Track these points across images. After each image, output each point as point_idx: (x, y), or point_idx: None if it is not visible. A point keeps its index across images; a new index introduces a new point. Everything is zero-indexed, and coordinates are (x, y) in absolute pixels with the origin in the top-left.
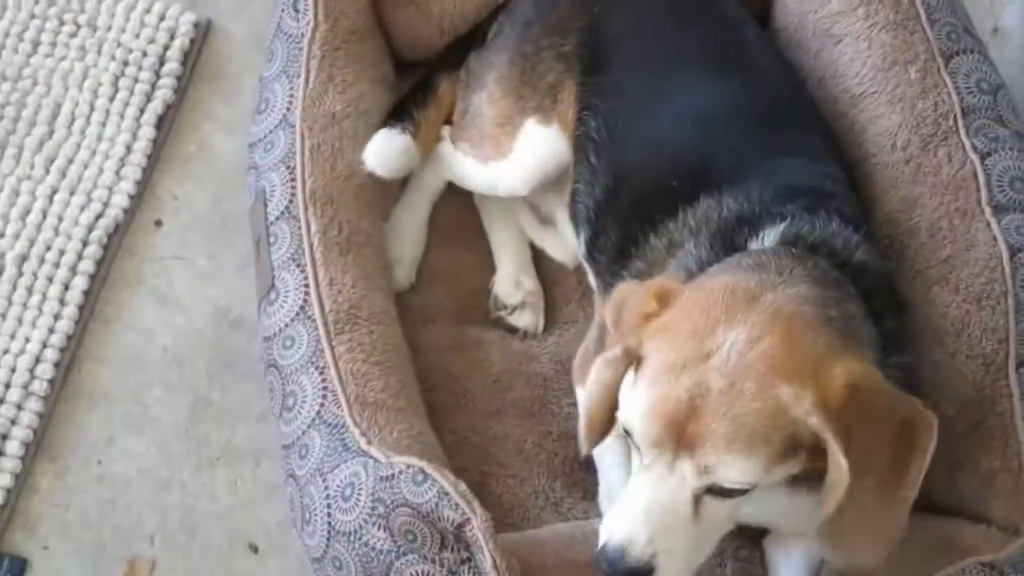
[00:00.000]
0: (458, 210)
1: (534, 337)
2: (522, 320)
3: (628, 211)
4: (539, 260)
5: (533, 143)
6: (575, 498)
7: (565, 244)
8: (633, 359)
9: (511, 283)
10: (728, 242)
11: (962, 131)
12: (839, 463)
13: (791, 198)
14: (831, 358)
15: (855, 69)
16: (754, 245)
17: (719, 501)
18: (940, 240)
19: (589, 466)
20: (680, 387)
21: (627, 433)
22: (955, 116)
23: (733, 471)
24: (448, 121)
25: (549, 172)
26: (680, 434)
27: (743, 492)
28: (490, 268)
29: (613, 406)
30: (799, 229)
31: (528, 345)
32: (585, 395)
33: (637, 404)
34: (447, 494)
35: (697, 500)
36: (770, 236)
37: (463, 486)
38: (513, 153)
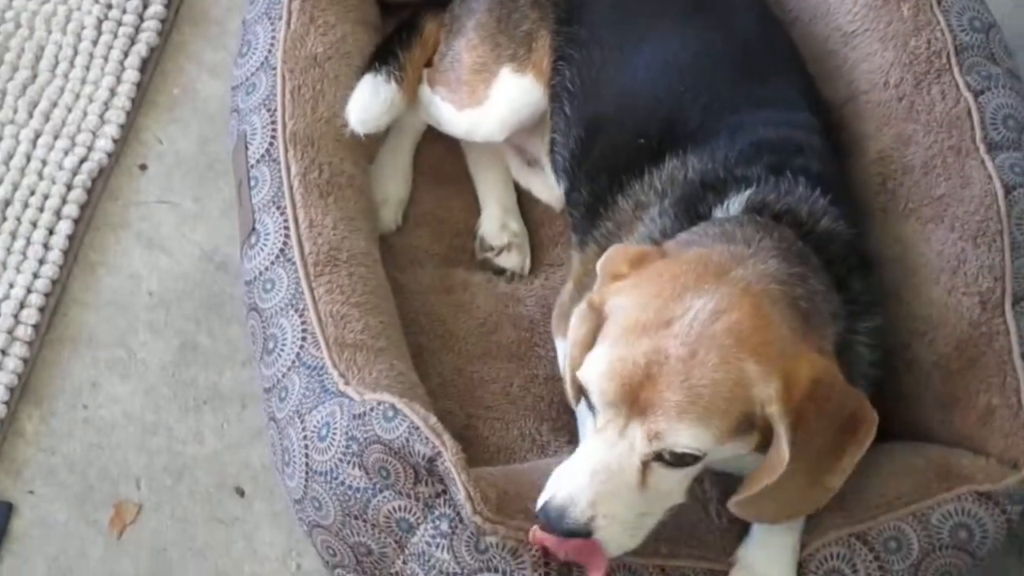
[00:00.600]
0: (444, 152)
1: (520, 279)
2: (509, 261)
3: (598, 166)
4: (525, 202)
5: (508, 92)
6: (561, 441)
7: (551, 185)
8: (597, 314)
9: (497, 224)
10: (692, 210)
11: (955, 69)
12: (782, 453)
13: (757, 157)
14: (797, 347)
15: (847, 7)
16: (719, 213)
17: (667, 471)
18: (934, 178)
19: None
20: (638, 350)
21: (584, 394)
22: (948, 54)
23: (683, 438)
24: (430, 63)
25: (524, 120)
26: (634, 398)
27: (691, 463)
28: (477, 210)
29: None
30: (764, 196)
31: (514, 287)
32: (567, 353)
33: (595, 363)
34: (417, 428)
35: (645, 468)
36: (735, 204)
37: (433, 419)
38: (488, 101)
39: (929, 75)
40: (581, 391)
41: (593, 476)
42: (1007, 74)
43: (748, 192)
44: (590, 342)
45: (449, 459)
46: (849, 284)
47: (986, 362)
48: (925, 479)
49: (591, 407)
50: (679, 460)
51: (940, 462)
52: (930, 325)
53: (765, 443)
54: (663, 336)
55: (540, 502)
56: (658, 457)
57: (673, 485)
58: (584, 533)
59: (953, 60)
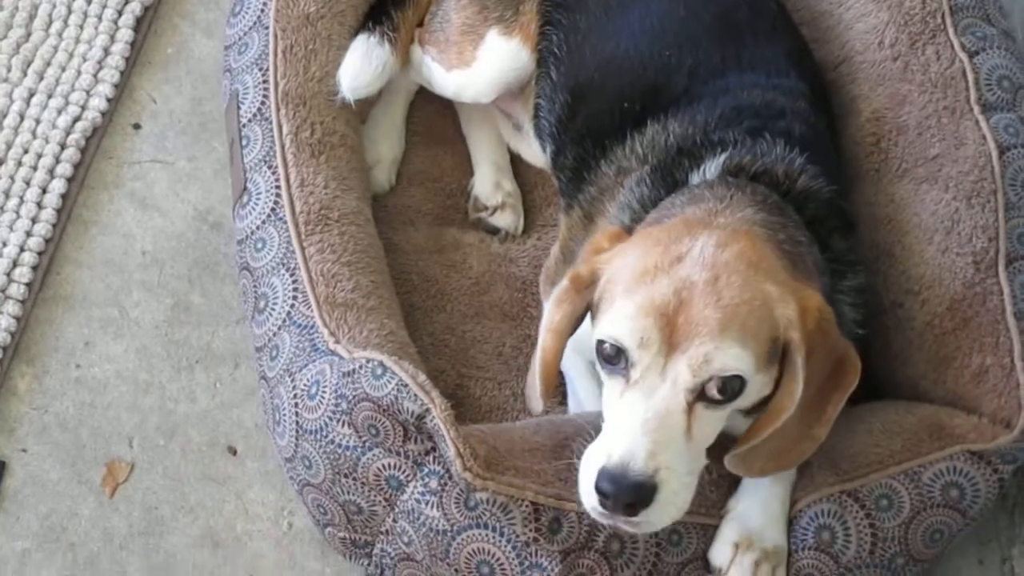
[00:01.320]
0: (437, 112)
1: (513, 239)
2: (502, 221)
3: (583, 131)
4: (518, 163)
5: (495, 54)
6: (553, 402)
7: (536, 150)
8: (583, 292)
9: (490, 184)
10: (669, 178)
11: (950, 29)
12: (796, 389)
13: (737, 120)
14: (796, 281)
15: None
16: (696, 179)
17: (710, 411)
18: (929, 138)
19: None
20: (662, 285)
21: (602, 359)
22: (943, 14)
23: (730, 358)
24: (423, 23)
25: (511, 83)
26: (671, 329)
27: (734, 396)
28: (470, 170)
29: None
30: (740, 159)
31: (507, 248)
32: (539, 343)
33: (620, 312)
34: (406, 385)
35: (691, 411)
36: (711, 168)
37: (422, 376)
38: (476, 62)
39: (924, 35)
40: (597, 354)
41: (645, 425)
42: (1002, 35)
43: (723, 156)
44: (567, 328)
45: (438, 416)
46: (831, 244)
47: (979, 322)
48: (917, 438)
49: (606, 369)
50: (724, 389)
51: (932, 421)
52: (923, 285)
53: (777, 382)
54: (681, 268)
55: (591, 474)
56: (701, 396)
57: (712, 429)
58: (651, 486)
59: (948, 20)
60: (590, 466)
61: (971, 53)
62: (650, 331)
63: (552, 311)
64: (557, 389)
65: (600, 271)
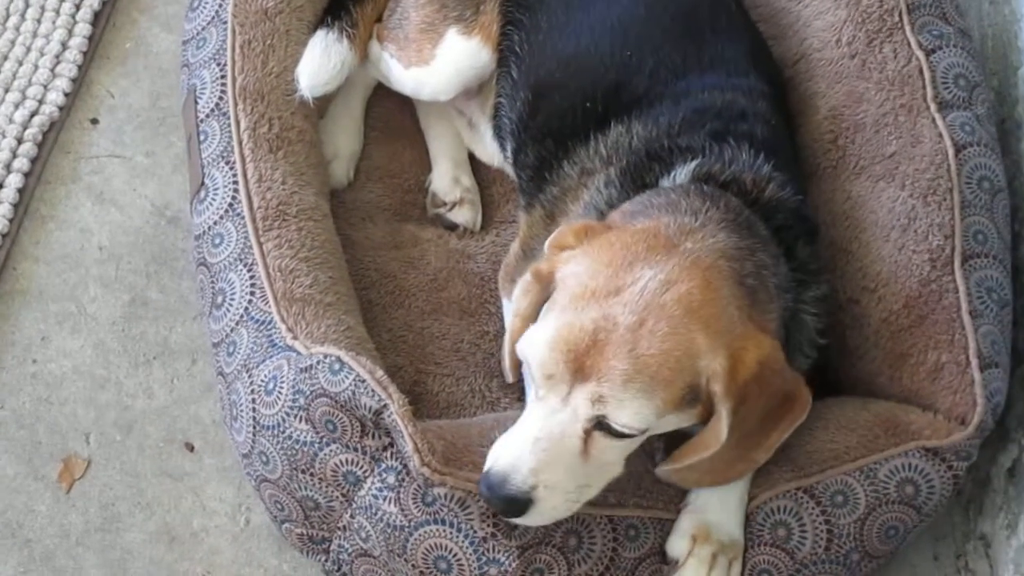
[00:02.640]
0: (396, 107)
1: (471, 235)
2: (460, 216)
3: (544, 130)
4: (475, 160)
5: (453, 53)
6: (511, 398)
7: (491, 149)
8: (542, 285)
9: (449, 180)
10: (639, 181)
11: (907, 27)
12: (720, 433)
13: (700, 123)
14: (745, 326)
15: None
16: (666, 184)
17: (608, 440)
18: (886, 136)
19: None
20: (587, 317)
21: (526, 365)
22: (900, 12)
23: (627, 411)
24: (381, 18)
25: (470, 82)
26: (579, 366)
27: (633, 435)
28: (428, 165)
29: None
30: (710, 167)
31: (465, 244)
32: (509, 325)
33: (541, 332)
34: (363, 381)
35: (588, 437)
36: (681, 174)
37: (380, 372)
38: (434, 61)
39: (881, 33)
40: (520, 365)
41: (535, 443)
42: (959, 33)
43: (694, 164)
44: (532, 314)
45: (396, 411)
46: (796, 252)
47: (935, 319)
48: (872, 434)
49: (532, 377)
50: (622, 432)
51: (888, 417)
52: (880, 282)
53: (708, 415)
54: (612, 303)
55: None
56: (600, 426)
57: (615, 456)
58: (524, 501)
59: (905, 18)
60: (487, 459)
61: (928, 51)
62: (558, 366)
63: (519, 298)
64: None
65: (556, 270)
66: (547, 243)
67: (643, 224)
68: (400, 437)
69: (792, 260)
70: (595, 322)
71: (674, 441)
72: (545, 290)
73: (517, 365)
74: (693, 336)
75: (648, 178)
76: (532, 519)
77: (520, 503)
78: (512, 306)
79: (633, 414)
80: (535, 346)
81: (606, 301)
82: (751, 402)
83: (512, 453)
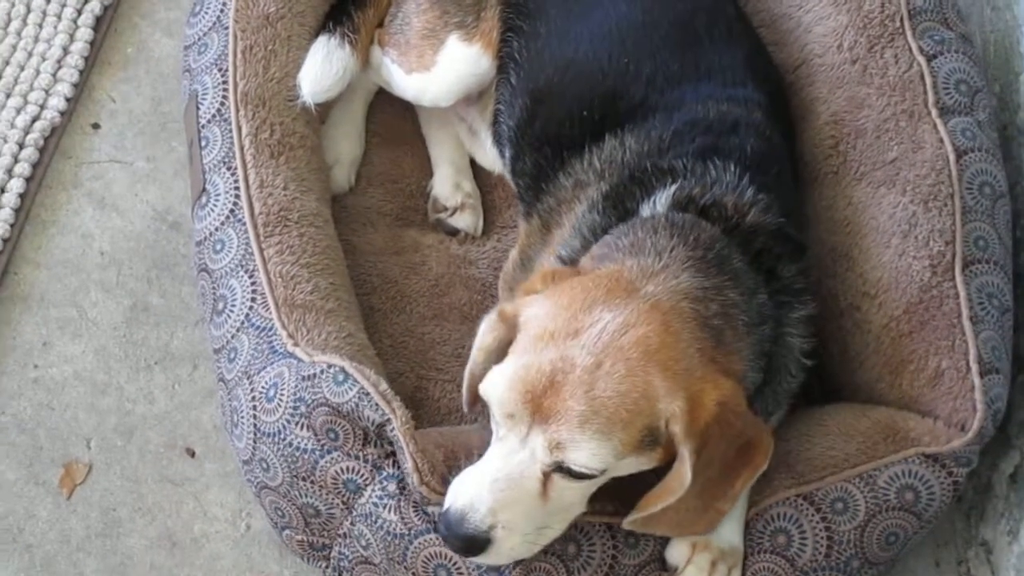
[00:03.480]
0: (397, 112)
1: (473, 241)
2: (462, 222)
3: (542, 138)
4: (476, 165)
5: (455, 60)
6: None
7: (492, 155)
8: (507, 326)
9: (450, 185)
10: (620, 207)
11: (908, 33)
12: (684, 476)
13: (690, 137)
14: (705, 368)
15: None
16: (646, 210)
17: (568, 482)
18: (887, 141)
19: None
20: (544, 358)
21: (488, 404)
22: (902, 18)
23: (584, 452)
24: (383, 24)
25: (471, 88)
26: (537, 407)
27: (592, 476)
28: (430, 171)
29: None
30: (690, 190)
31: (466, 249)
32: (471, 356)
33: (501, 372)
34: (367, 394)
35: (547, 478)
36: (661, 199)
37: (384, 385)
38: (436, 67)
39: (883, 39)
40: (477, 399)
41: (493, 484)
42: (960, 39)
43: (674, 187)
44: (495, 349)
45: (399, 428)
46: (779, 272)
47: (935, 325)
48: (872, 441)
49: (492, 416)
50: (580, 474)
51: (888, 424)
52: (880, 288)
53: (669, 458)
54: (570, 345)
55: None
56: (559, 468)
57: (574, 497)
58: (483, 541)
59: (907, 24)
60: (449, 491)
61: (929, 56)
62: (517, 406)
63: (484, 334)
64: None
65: (519, 314)
66: (520, 289)
67: (607, 269)
68: (401, 453)
69: (775, 282)
70: (553, 363)
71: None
72: (511, 331)
73: (474, 398)
74: (650, 379)
75: (629, 203)
76: (490, 558)
77: (478, 543)
78: (476, 341)
79: (590, 454)
80: (496, 386)
81: (564, 343)
82: (713, 444)
83: (470, 493)
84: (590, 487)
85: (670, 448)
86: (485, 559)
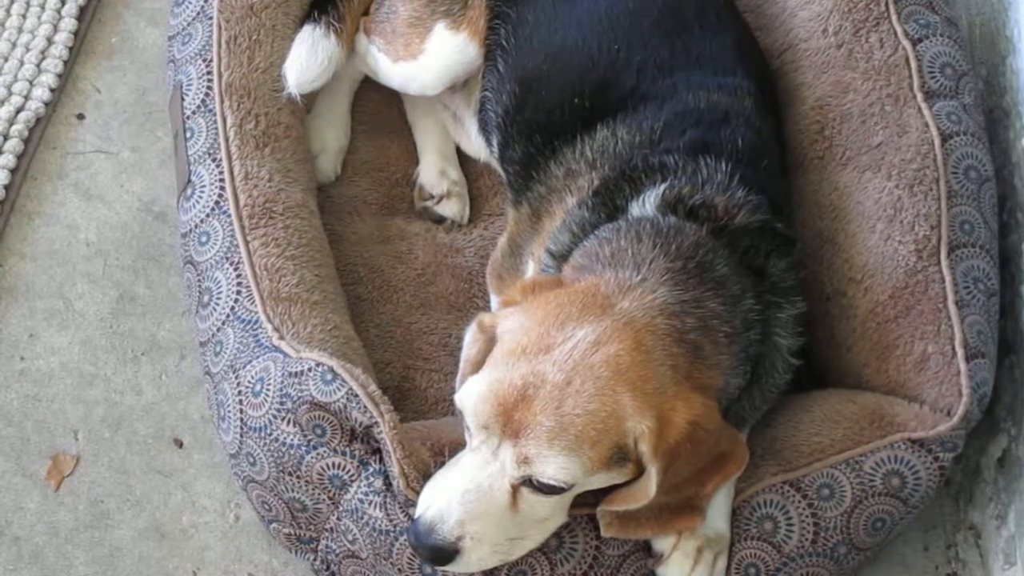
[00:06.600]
0: (382, 100)
1: (459, 229)
2: (448, 210)
3: (532, 126)
4: (462, 152)
5: (442, 48)
6: None
7: (477, 144)
8: (486, 336)
9: (436, 172)
10: (610, 204)
11: (894, 17)
12: (648, 490)
13: (681, 129)
14: (677, 387)
15: None
16: (635, 208)
17: (537, 496)
18: (872, 126)
19: None
20: (516, 373)
21: (462, 415)
22: (886, 2)
23: (551, 467)
24: (368, 12)
25: (458, 76)
26: (508, 419)
27: (561, 490)
28: (416, 159)
29: None
30: (680, 190)
31: (453, 238)
32: (460, 369)
33: (476, 384)
34: (356, 395)
35: (516, 492)
36: (650, 198)
37: (372, 386)
38: (423, 55)
39: (868, 23)
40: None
41: (464, 495)
42: (945, 22)
43: (664, 186)
44: (479, 361)
45: (386, 432)
46: (767, 270)
47: (921, 310)
48: (858, 426)
49: (466, 428)
50: (548, 488)
51: (873, 409)
52: (866, 273)
53: (641, 473)
54: (542, 361)
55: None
56: (528, 482)
57: (545, 510)
58: (451, 551)
59: (891, 8)
60: (421, 499)
61: (914, 40)
62: (489, 418)
63: (470, 345)
64: None
65: (496, 325)
66: (498, 301)
67: (585, 282)
68: (388, 456)
69: (763, 282)
70: (524, 378)
71: None
72: (490, 341)
73: None
74: (619, 398)
75: (619, 201)
76: (459, 567)
77: (446, 553)
78: (463, 354)
79: (558, 468)
80: (470, 397)
81: (536, 358)
82: (682, 461)
83: (440, 503)
84: (561, 501)
85: (640, 464)
86: (454, 568)
